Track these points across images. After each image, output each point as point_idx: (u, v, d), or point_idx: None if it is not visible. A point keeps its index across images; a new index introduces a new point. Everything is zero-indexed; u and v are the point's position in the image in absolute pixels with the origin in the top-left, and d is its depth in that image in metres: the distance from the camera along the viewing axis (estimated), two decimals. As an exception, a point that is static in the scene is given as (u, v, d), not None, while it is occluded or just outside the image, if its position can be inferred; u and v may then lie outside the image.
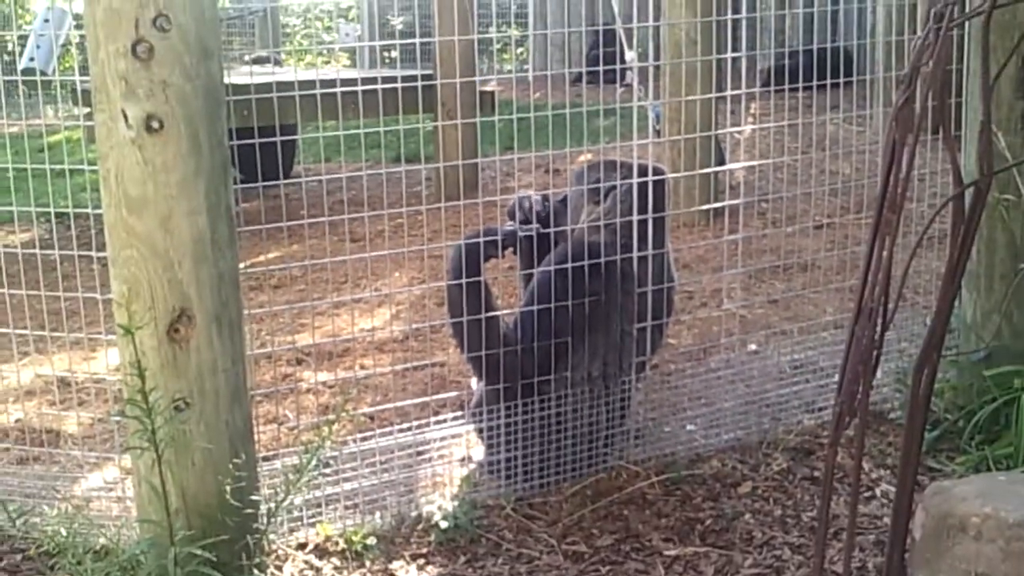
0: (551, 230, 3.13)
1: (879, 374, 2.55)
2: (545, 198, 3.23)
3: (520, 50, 11.83)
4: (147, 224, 2.26)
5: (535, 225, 3.18)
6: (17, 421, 3.47)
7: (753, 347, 3.76)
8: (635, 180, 2.99)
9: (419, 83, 3.67)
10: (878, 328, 2.29)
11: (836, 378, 2.70)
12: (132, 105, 2.20)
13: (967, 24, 2.91)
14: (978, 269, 3.09)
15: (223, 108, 2.34)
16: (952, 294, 2.39)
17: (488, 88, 6.88)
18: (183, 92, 2.22)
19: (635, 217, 2.99)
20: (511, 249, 3.07)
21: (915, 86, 2.25)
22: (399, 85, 3.04)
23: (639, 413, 3.26)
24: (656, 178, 3.02)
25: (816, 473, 2.99)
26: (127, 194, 2.25)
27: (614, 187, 3.07)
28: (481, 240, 2.92)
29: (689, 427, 3.27)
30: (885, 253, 2.24)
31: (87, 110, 3.95)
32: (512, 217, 3.17)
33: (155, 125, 2.21)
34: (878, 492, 2.88)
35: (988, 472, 2.79)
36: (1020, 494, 2.16)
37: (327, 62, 9.61)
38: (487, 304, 2.90)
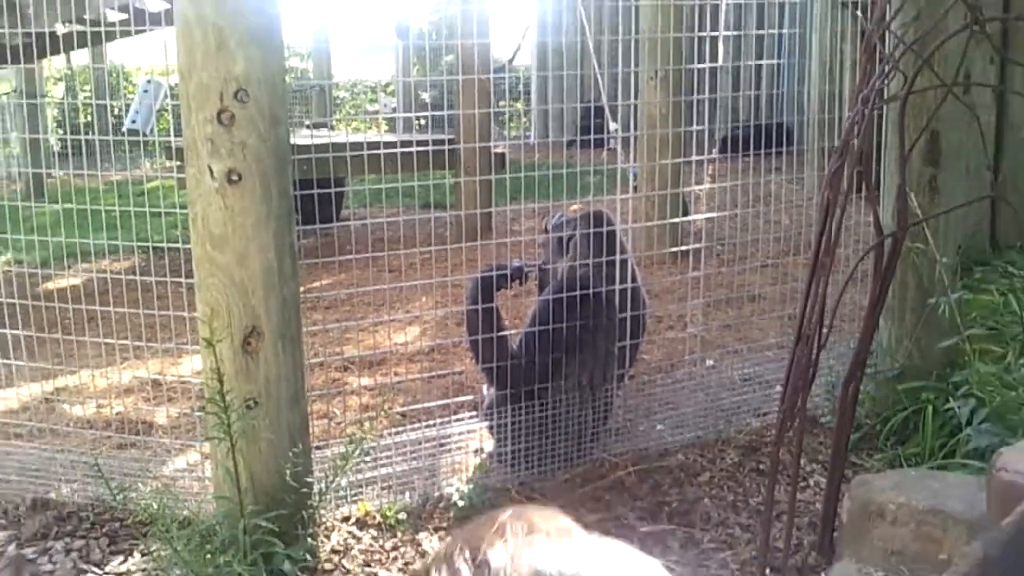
0: (549, 265, 3.14)
1: (814, 387, 2.54)
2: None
3: (524, 120, 11.89)
4: (227, 258, 2.26)
5: (537, 262, 3.20)
6: (117, 414, 3.46)
7: (711, 363, 3.74)
8: (591, 230, 3.02)
9: (446, 147, 3.67)
10: (814, 350, 2.28)
11: (779, 389, 2.69)
12: (216, 161, 2.21)
13: (886, 106, 2.92)
14: (893, 303, 3.08)
15: (289, 164, 2.34)
16: (873, 323, 2.39)
17: (499, 150, 6.90)
18: (258, 151, 2.23)
19: (590, 260, 3.02)
20: (518, 281, 3.07)
21: (846, 155, 2.25)
22: (429, 148, 3.05)
23: (619, 415, 3.25)
24: (608, 228, 3.05)
25: (762, 466, 2.97)
26: (211, 233, 2.25)
27: (572, 237, 3.09)
28: (494, 273, 2.93)
29: (659, 427, 3.25)
30: (820, 289, 2.24)
31: (179, 163, 3.96)
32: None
33: (235, 178, 2.22)
34: (812, 483, 2.86)
35: (901, 468, 2.77)
36: (928, 487, 2.15)
37: (370, 128, 9.63)
38: (498, 325, 2.90)
